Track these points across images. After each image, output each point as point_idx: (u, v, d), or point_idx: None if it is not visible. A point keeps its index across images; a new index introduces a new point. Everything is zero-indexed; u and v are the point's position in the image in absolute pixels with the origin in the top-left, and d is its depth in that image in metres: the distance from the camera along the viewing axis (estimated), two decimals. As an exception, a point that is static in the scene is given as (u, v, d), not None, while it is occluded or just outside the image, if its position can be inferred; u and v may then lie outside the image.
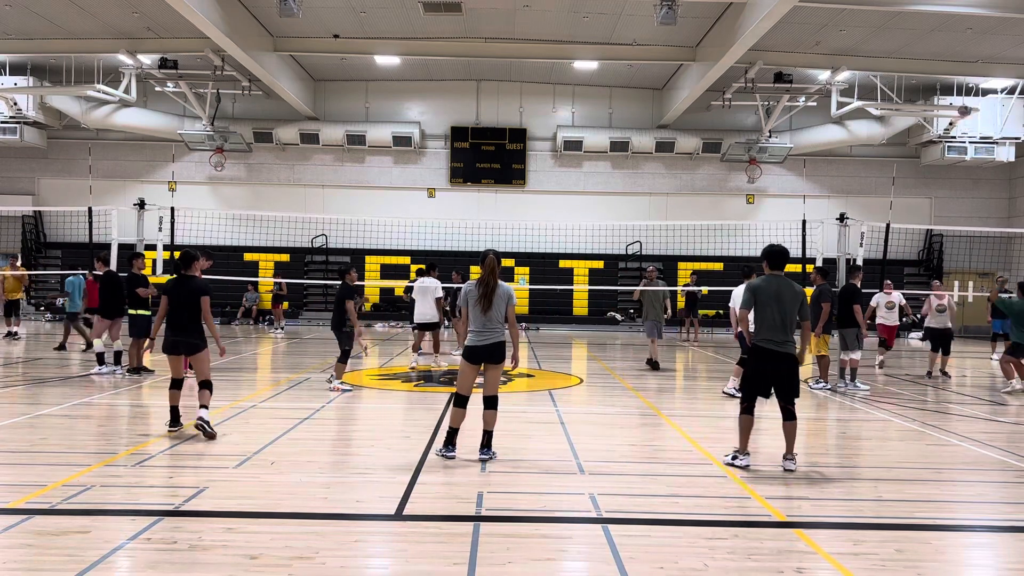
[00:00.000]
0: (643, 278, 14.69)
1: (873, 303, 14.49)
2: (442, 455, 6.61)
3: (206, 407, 7.41)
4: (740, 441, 6.70)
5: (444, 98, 26.16)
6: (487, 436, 6.76)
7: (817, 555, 4.58)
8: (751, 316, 6.89)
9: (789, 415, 6.62)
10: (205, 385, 7.54)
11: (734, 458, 6.66)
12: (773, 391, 6.68)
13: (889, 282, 15.03)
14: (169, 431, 7.43)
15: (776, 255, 6.82)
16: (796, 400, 6.65)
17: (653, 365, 13.80)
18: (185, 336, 7.53)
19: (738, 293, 10.85)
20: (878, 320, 14.86)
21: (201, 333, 7.61)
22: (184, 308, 7.55)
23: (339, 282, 10.73)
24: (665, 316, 14.34)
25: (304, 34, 20.74)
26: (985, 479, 6.59)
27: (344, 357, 10.55)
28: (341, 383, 10.47)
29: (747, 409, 6.70)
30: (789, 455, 6.62)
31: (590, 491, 5.78)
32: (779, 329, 6.56)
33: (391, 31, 20.45)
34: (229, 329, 21.68)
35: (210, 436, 7.17)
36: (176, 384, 7.64)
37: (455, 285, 18.06)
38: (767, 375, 6.63)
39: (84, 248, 14.59)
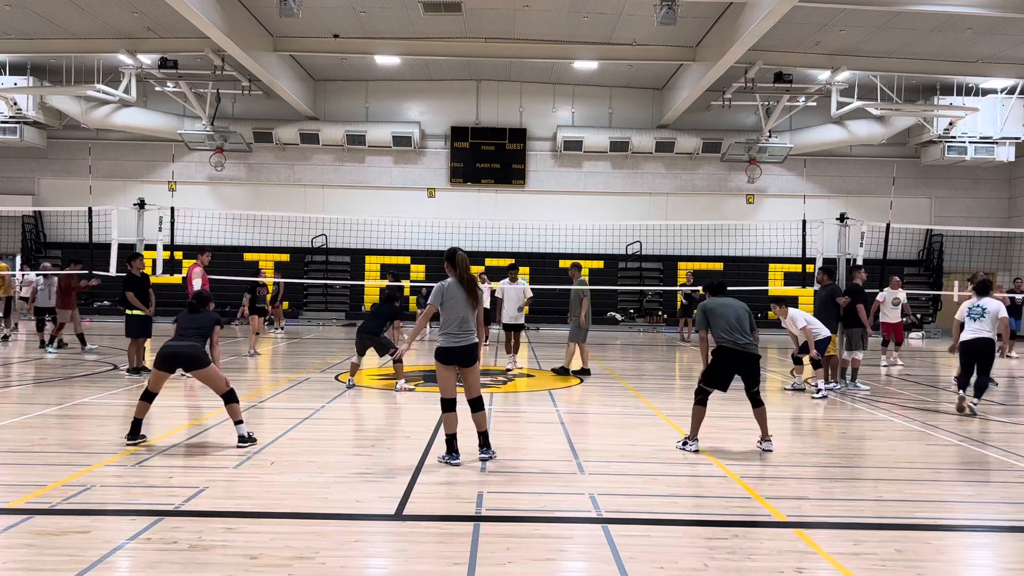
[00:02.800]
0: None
1: (880, 298, 14.70)
2: (447, 462, 6.50)
3: (241, 422, 7.04)
4: (692, 428, 7.28)
5: (444, 98, 26.15)
6: (483, 436, 6.75)
7: (817, 555, 4.58)
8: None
9: (758, 402, 7.31)
10: (229, 398, 7.05)
11: (685, 444, 7.27)
12: (743, 385, 7.37)
13: (897, 279, 15.27)
14: (127, 443, 6.91)
15: (717, 287, 7.67)
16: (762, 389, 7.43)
17: (562, 371, 12.75)
18: (187, 350, 7.05)
19: (799, 315, 11.06)
20: (881, 318, 15.07)
21: (204, 351, 7.16)
22: (193, 330, 7.27)
23: (341, 282, 10.86)
24: (581, 320, 12.65)
25: (304, 34, 20.74)
26: (985, 479, 6.59)
27: (399, 357, 10.69)
28: (405, 383, 10.68)
29: (701, 401, 7.31)
30: (765, 438, 7.27)
31: (590, 491, 5.77)
32: (738, 332, 7.22)
33: (391, 31, 20.45)
34: (229, 329, 21.66)
35: (253, 441, 7.07)
36: (147, 397, 7.06)
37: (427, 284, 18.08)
38: (729, 372, 7.29)
39: (84, 248, 14.54)
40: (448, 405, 6.62)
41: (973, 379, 9.83)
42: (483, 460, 6.61)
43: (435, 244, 25.57)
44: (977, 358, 9.80)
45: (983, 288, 10.08)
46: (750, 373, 7.25)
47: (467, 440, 6.86)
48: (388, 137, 25.43)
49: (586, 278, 13.39)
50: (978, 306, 9.83)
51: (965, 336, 9.89)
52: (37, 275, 16.06)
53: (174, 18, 17.81)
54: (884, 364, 15.09)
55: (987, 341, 9.75)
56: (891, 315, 15.09)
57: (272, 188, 26.18)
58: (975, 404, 9.72)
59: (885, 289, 14.89)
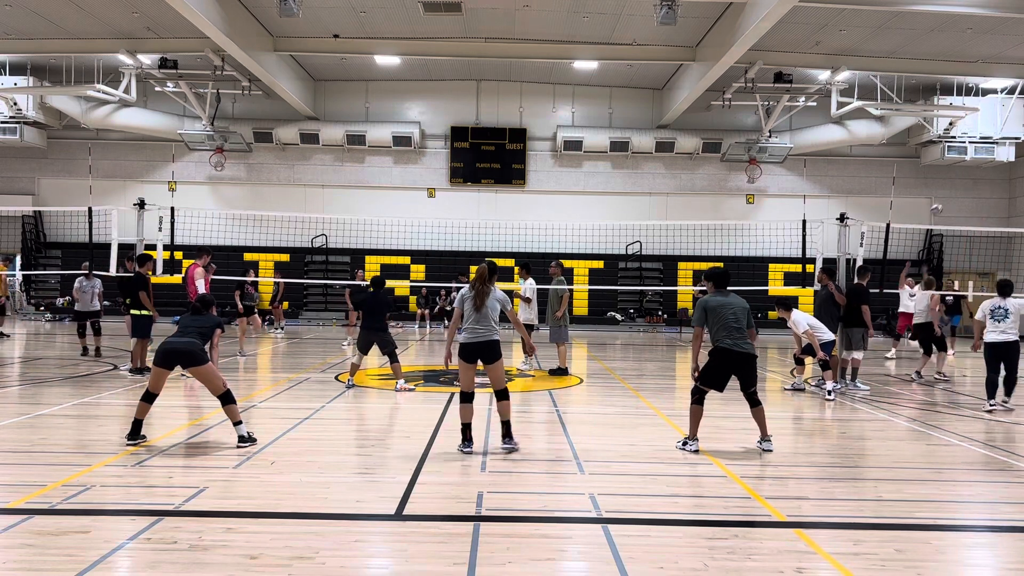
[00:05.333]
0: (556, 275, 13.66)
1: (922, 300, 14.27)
2: (460, 450, 6.89)
3: (240, 422, 7.04)
4: (691, 428, 7.30)
5: (444, 98, 26.16)
6: (506, 426, 7.10)
7: (817, 555, 4.58)
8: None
9: (755, 402, 7.31)
10: (226, 399, 7.05)
11: (684, 444, 7.29)
12: (738, 384, 7.31)
13: (911, 279, 16.13)
14: (127, 443, 6.93)
15: (720, 276, 7.45)
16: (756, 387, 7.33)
17: (559, 371, 12.94)
18: (186, 347, 7.04)
19: (802, 318, 10.93)
20: (902, 308, 16.18)
21: (203, 348, 7.19)
22: (194, 329, 7.34)
23: (341, 282, 10.87)
24: (558, 317, 13.36)
25: (304, 34, 20.74)
26: (985, 479, 6.59)
27: (395, 357, 10.82)
28: (404, 383, 10.69)
29: (698, 401, 7.31)
30: (765, 438, 7.29)
31: (590, 491, 5.78)
32: (735, 331, 7.19)
33: (391, 31, 20.45)
34: (228, 328, 21.65)
35: (253, 441, 7.08)
36: (148, 398, 7.05)
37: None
38: (726, 373, 7.24)
39: (84, 248, 14.53)
40: (465, 397, 7.05)
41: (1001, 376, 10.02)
42: (506, 450, 6.93)
43: (435, 244, 25.59)
44: (1003, 359, 9.94)
45: (1006, 288, 10.09)
46: (746, 374, 7.23)
47: (478, 438, 6.94)
48: (388, 137, 25.44)
49: (563, 277, 13.65)
50: (1001, 307, 9.94)
51: (989, 337, 10.00)
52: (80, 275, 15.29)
53: (174, 18, 17.81)
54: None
55: (1013, 344, 9.87)
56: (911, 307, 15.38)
57: (272, 188, 26.18)
58: (1007, 401, 10.02)
59: (909, 288, 15.89)
